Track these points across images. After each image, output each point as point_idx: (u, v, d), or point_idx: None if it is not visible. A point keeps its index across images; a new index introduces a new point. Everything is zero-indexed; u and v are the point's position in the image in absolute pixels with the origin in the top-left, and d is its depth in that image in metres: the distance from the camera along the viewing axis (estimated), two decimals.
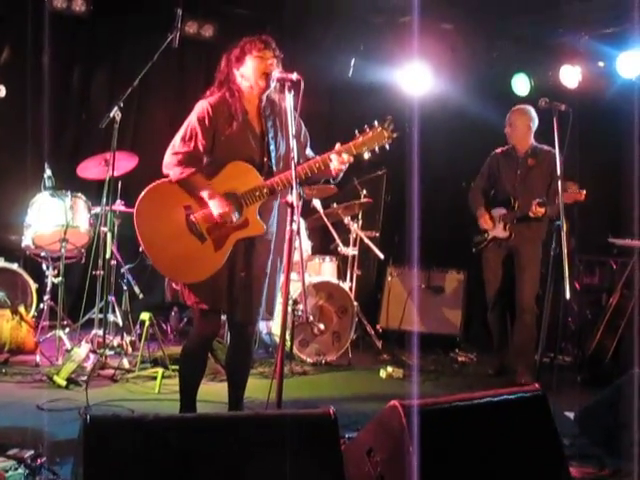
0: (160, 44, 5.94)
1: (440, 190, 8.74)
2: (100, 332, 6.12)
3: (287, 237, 3.83)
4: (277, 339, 6.47)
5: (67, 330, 6.47)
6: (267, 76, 4.20)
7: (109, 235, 6.11)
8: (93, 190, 7.04)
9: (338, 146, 4.20)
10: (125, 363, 6.02)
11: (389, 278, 8.39)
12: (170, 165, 4.25)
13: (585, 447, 4.56)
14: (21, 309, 6.11)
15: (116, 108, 5.67)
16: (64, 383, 5.38)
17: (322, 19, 8.28)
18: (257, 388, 4.98)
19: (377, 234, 8.11)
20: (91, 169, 6.64)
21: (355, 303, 7.10)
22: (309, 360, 6.77)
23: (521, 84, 8.06)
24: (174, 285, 4.47)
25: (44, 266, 6.69)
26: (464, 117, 8.10)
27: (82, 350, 5.68)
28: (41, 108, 7.13)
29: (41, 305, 6.61)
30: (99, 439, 2.59)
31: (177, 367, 5.18)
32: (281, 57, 4.28)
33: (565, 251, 5.00)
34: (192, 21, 7.98)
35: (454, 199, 8.49)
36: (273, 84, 4.25)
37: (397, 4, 7.66)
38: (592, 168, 7.36)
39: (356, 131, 4.18)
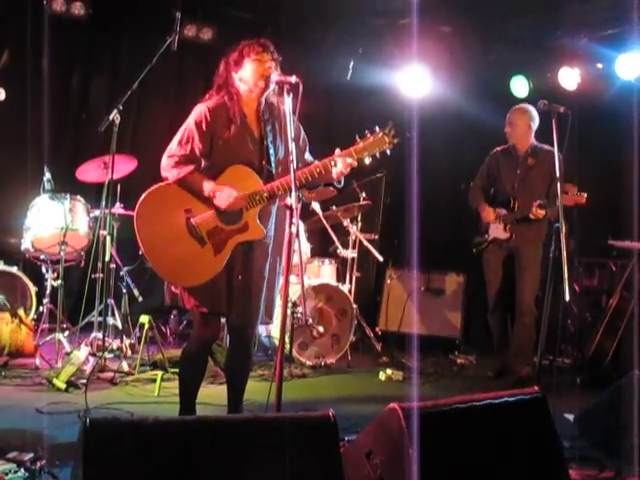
0: (159, 47, 5.96)
1: (439, 192, 8.74)
2: (99, 335, 6.13)
3: (286, 240, 3.83)
4: (276, 342, 6.46)
5: (66, 333, 6.48)
6: (266, 79, 4.20)
7: (108, 238, 6.11)
8: (92, 193, 7.05)
9: (338, 151, 4.19)
10: (124, 366, 6.02)
11: (388, 280, 8.39)
12: (167, 167, 4.25)
13: (585, 449, 4.56)
14: (20, 312, 6.11)
15: (115, 111, 5.68)
16: (63, 386, 5.38)
17: (321, 22, 8.28)
18: (256, 391, 4.98)
19: (376, 236, 8.12)
20: (90, 172, 6.65)
21: (354, 305, 7.10)
22: (308, 363, 6.77)
23: (520, 86, 8.06)
24: (173, 288, 4.47)
25: (43, 269, 6.70)
26: (463, 119, 8.10)
27: (81, 353, 5.67)
28: (40, 111, 7.14)
29: (40, 308, 6.62)
30: (99, 442, 2.59)
31: (176, 370, 5.18)
32: (279, 60, 4.28)
33: (564, 253, 5.00)
34: (191, 24, 7.98)
35: (453, 201, 8.50)
36: (272, 87, 4.25)
37: (396, 7, 7.66)
38: (591, 170, 7.37)
39: (357, 136, 4.18)
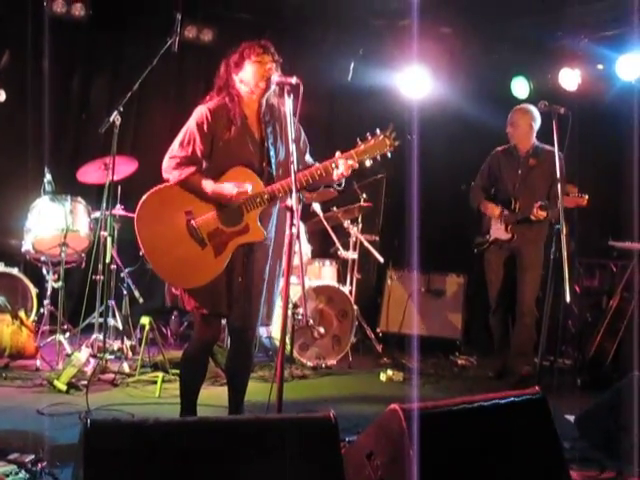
0: (160, 48, 5.96)
1: (439, 193, 8.74)
2: (100, 336, 6.12)
3: (287, 241, 3.83)
4: (277, 343, 6.46)
5: (67, 335, 6.48)
6: (266, 80, 4.21)
7: (109, 239, 6.11)
8: (93, 194, 7.05)
9: (338, 154, 4.20)
10: (125, 367, 6.03)
11: (389, 281, 8.39)
12: (169, 169, 4.25)
13: (585, 450, 4.56)
14: (21, 314, 6.11)
15: (116, 112, 5.68)
16: (64, 387, 5.38)
17: (321, 23, 8.29)
18: (257, 392, 4.97)
19: (377, 238, 8.12)
20: (91, 173, 6.65)
21: (355, 307, 7.10)
22: (309, 364, 6.77)
23: (520, 87, 8.06)
24: (174, 290, 4.47)
25: (44, 271, 6.70)
26: (463, 120, 8.10)
27: (82, 354, 5.67)
28: (41, 112, 7.14)
29: (41, 310, 6.62)
30: (99, 443, 2.59)
31: (177, 371, 5.18)
32: (280, 61, 4.28)
33: (565, 254, 5.00)
34: (191, 25, 7.98)
35: (454, 202, 8.50)
36: (272, 88, 4.26)
37: (396, 8, 7.67)
38: (592, 171, 7.37)
39: (358, 139, 4.18)
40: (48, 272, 6.63)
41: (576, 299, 7.24)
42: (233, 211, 4.21)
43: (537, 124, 6.58)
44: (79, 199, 6.63)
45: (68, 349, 6.21)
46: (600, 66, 7.66)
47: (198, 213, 4.24)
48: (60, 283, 6.48)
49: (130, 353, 6.46)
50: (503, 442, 3.23)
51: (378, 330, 8.15)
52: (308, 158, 4.49)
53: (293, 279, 6.03)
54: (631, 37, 7.11)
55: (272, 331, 6.77)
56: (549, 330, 5.41)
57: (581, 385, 6.64)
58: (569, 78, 7.66)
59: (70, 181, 6.87)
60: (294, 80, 4.01)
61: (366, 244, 7.49)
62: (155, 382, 5.62)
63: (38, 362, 5.96)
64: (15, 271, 6.66)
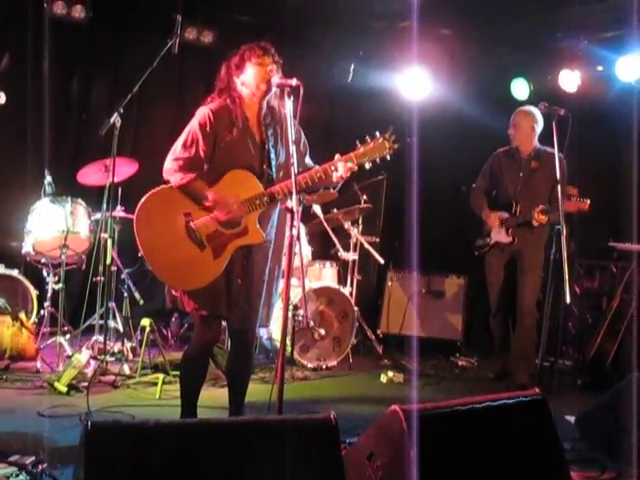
0: (160, 50, 5.96)
1: (440, 195, 8.74)
2: (101, 338, 6.13)
3: (287, 243, 3.83)
4: (277, 344, 6.47)
5: (68, 336, 6.47)
6: (267, 82, 4.21)
7: (109, 241, 6.12)
8: (93, 196, 7.04)
9: (338, 156, 4.20)
10: (126, 369, 6.03)
11: (389, 283, 8.39)
12: (171, 171, 4.25)
13: (586, 451, 4.56)
14: (22, 315, 6.11)
15: (116, 114, 5.68)
16: (65, 389, 5.38)
17: (321, 25, 8.29)
18: (258, 393, 4.97)
19: (377, 239, 8.12)
20: (91, 175, 6.65)
21: (355, 308, 7.11)
22: (310, 365, 6.77)
23: (520, 89, 8.06)
24: (174, 291, 4.47)
25: (44, 272, 6.69)
26: (463, 122, 8.10)
27: (83, 356, 5.67)
28: (41, 114, 7.14)
29: (42, 311, 6.62)
30: (100, 445, 2.59)
31: (178, 373, 5.18)
32: (281, 63, 4.29)
33: (565, 255, 5.00)
34: (191, 27, 7.98)
35: (454, 203, 8.49)
36: (274, 90, 4.26)
37: (396, 9, 7.67)
38: (592, 172, 7.38)
39: (357, 141, 4.18)
40: (48, 274, 6.62)
41: (576, 300, 7.24)
42: None
43: (539, 126, 6.55)
44: (79, 201, 6.63)
45: (68, 351, 6.22)
46: (600, 67, 7.66)
47: (197, 215, 4.25)
48: (60, 285, 6.49)
49: (130, 355, 6.47)
50: (503, 443, 3.23)
51: (378, 331, 8.15)
52: (308, 160, 4.50)
53: (294, 281, 6.03)
54: (631, 38, 7.11)
55: (272, 332, 6.78)
56: (549, 331, 5.42)
57: (581, 386, 6.65)
58: (569, 79, 7.66)
59: (70, 183, 6.87)
60: (294, 82, 4.02)
61: (366, 245, 7.49)
62: (156, 384, 5.62)
63: (38, 364, 5.95)
64: (15, 273, 6.66)
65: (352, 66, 8.59)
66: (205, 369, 4.55)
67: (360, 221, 7.64)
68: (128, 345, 6.51)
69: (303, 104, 3.95)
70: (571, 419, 5.09)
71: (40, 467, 3.68)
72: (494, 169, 6.84)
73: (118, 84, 7.94)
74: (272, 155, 4.32)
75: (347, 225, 7.47)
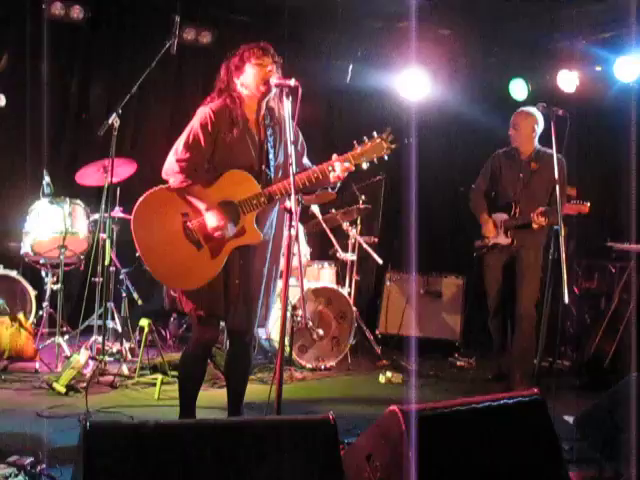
0: (158, 51, 5.96)
1: (438, 195, 8.75)
2: (99, 339, 6.11)
3: (285, 243, 3.83)
4: (276, 345, 6.47)
5: (66, 337, 6.48)
6: (267, 83, 4.21)
7: (108, 242, 6.11)
8: (92, 197, 7.03)
9: (335, 156, 4.20)
10: (124, 370, 6.03)
11: (388, 283, 8.39)
12: (171, 172, 4.24)
13: (584, 451, 4.55)
14: (20, 316, 6.11)
15: (114, 115, 5.68)
16: (64, 390, 5.38)
17: (320, 25, 8.29)
18: (256, 394, 4.98)
19: (376, 239, 8.10)
20: (90, 176, 6.64)
21: (354, 308, 7.11)
22: (308, 366, 6.77)
23: (519, 89, 8.07)
24: (172, 292, 4.47)
25: (43, 273, 6.69)
26: (462, 122, 8.12)
27: (81, 357, 5.67)
28: (40, 115, 7.14)
29: (40, 312, 6.62)
30: (99, 446, 2.59)
31: (176, 373, 5.18)
32: (281, 63, 4.29)
33: (563, 255, 5.00)
34: (190, 28, 7.98)
35: (452, 204, 8.51)
36: (273, 91, 4.26)
37: (395, 10, 7.67)
38: (590, 172, 7.39)
39: (354, 142, 4.18)
40: (47, 274, 6.63)
41: (575, 300, 7.26)
42: (230, 214, 4.21)
43: (540, 127, 6.49)
44: (78, 201, 6.63)
45: (67, 351, 6.22)
46: (598, 68, 7.68)
47: (194, 215, 4.25)
48: (59, 285, 6.48)
49: (129, 355, 6.48)
50: (502, 443, 3.23)
51: (377, 332, 8.15)
52: (305, 161, 4.50)
53: (292, 281, 6.03)
54: (629, 39, 7.13)
55: (271, 333, 6.77)
56: (548, 331, 5.41)
57: (580, 386, 6.65)
58: (567, 80, 7.67)
59: (69, 183, 6.87)
60: (292, 82, 4.02)
61: (365, 246, 7.49)
62: (154, 384, 5.62)
63: (37, 364, 5.96)
64: (14, 273, 6.66)
65: (350, 66, 8.59)
66: (204, 370, 4.56)
67: (359, 221, 7.64)
68: (127, 346, 6.52)
69: (301, 104, 3.95)
70: (570, 419, 5.08)
71: (39, 467, 3.68)
72: (494, 170, 6.79)
73: (116, 85, 7.93)
74: (271, 155, 4.33)
75: (346, 225, 7.47)
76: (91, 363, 5.84)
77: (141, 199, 4.28)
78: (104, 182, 6.11)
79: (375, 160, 4.20)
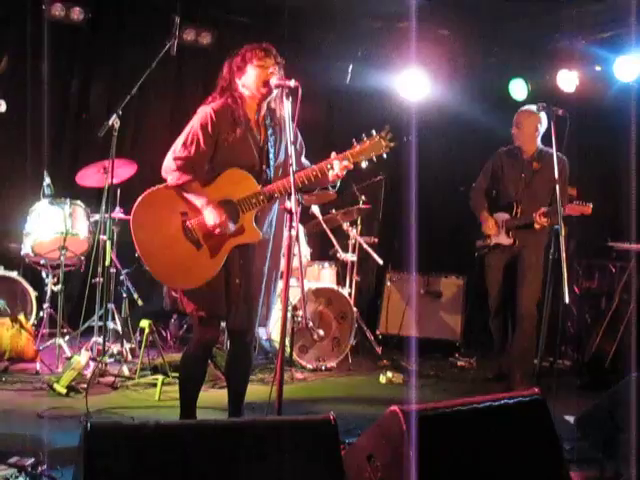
0: (158, 52, 5.96)
1: (438, 195, 8.74)
2: (100, 340, 6.12)
3: (286, 243, 3.83)
4: (277, 345, 6.47)
5: (67, 338, 6.48)
6: (268, 84, 4.21)
7: (108, 242, 6.11)
8: (92, 198, 7.04)
9: (334, 154, 4.20)
10: (125, 370, 6.03)
11: (388, 283, 8.39)
12: (169, 169, 4.24)
13: (585, 451, 4.55)
14: (21, 317, 6.12)
15: (115, 116, 5.67)
16: (64, 391, 5.38)
17: (319, 25, 8.29)
18: (257, 394, 4.98)
19: (376, 240, 8.11)
20: (90, 177, 6.64)
21: (354, 309, 7.11)
22: (309, 366, 6.77)
23: (518, 89, 8.07)
24: (173, 293, 4.47)
25: (43, 274, 6.70)
26: (462, 122, 8.11)
27: (82, 358, 5.67)
28: (40, 116, 7.15)
29: (41, 313, 6.62)
30: (100, 446, 2.59)
31: (177, 374, 5.18)
32: (282, 63, 4.29)
33: (564, 255, 4.99)
34: (190, 29, 7.98)
35: (452, 204, 8.50)
36: (275, 92, 4.26)
37: (394, 10, 7.67)
38: (590, 172, 7.38)
39: (353, 140, 4.19)
40: (47, 275, 6.63)
41: (575, 300, 7.25)
42: (229, 212, 4.21)
43: (543, 127, 6.42)
44: (78, 202, 6.64)
45: (68, 352, 6.22)
46: (598, 67, 7.67)
47: (193, 214, 4.24)
48: (59, 286, 6.49)
49: (130, 356, 6.47)
50: (503, 443, 3.23)
51: (377, 332, 8.16)
52: (304, 160, 4.51)
53: (292, 281, 6.03)
54: (628, 38, 7.12)
55: (272, 333, 6.78)
56: (548, 331, 5.41)
57: (580, 386, 6.65)
58: (567, 79, 7.67)
59: (69, 184, 6.88)
60: (292, 83, 4.02)
61: (365, 246, 7.49)
62: (155, 385, 5.62)
63: (38, 365, 5.96)
64: (14, 274, 6.66)
65: (350, 67, 8.60)
66: (204, 370, 4.56)
67: (359, 222, 7.65)
68: (127, 346, 6.51)
69: (301, 104, 3.95)
70: (570, 419, 5.08)
71: (39, 468, 3.68)
72: (495, 168, 6.74)
73: (117, 85, 7.94)
74: (271, 155, 4.33)
75: (346, 226, 7.48)
76: (92, 364, 5.84)
77: (140, 199, 4.28)
78: (104, 183, 6.12)
79: (374, 158, 4.20)
